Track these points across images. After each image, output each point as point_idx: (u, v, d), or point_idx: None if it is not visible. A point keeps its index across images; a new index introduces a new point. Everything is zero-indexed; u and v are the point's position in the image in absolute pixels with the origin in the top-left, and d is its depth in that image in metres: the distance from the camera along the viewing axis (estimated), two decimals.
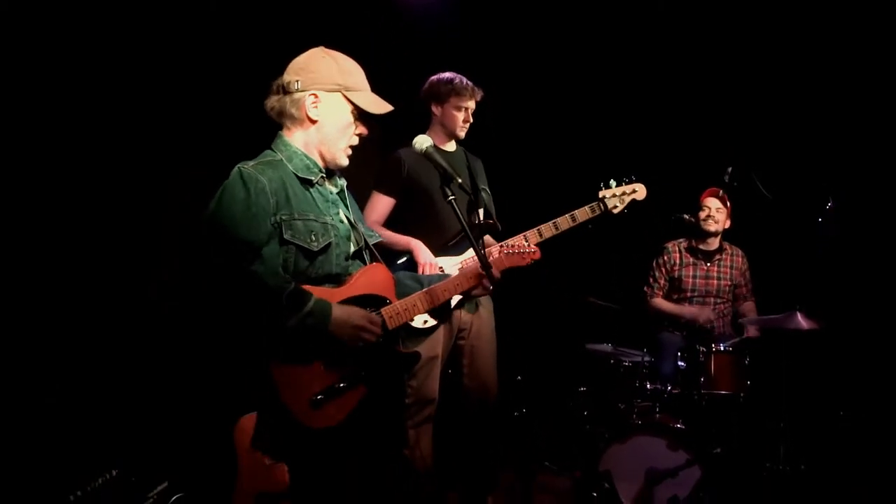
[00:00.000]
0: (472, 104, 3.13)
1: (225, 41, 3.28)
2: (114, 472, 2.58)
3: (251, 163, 1.86)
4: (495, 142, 3.34)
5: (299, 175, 1.91)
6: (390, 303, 1.97)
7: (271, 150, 1.95)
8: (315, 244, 1.85)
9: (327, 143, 1.94)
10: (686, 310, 4.06)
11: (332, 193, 2.01)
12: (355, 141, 1.98)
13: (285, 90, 1.91)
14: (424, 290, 2.04)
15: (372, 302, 1.93)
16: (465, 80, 3.13)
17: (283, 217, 1.82)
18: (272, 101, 1.94)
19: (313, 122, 1.93)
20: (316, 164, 1.95)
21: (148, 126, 3.06)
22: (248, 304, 1.74)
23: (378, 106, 1.96)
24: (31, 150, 2.68)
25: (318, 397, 1.77)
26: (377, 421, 1.94)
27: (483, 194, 3.21)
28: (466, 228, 1.97)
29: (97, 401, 2.75)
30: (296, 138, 1.95)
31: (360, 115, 1.95)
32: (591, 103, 4.84)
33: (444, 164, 2.02)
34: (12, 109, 2.61)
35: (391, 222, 3.09)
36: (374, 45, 2.06)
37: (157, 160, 3.09)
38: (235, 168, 1.84)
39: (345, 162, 1.99)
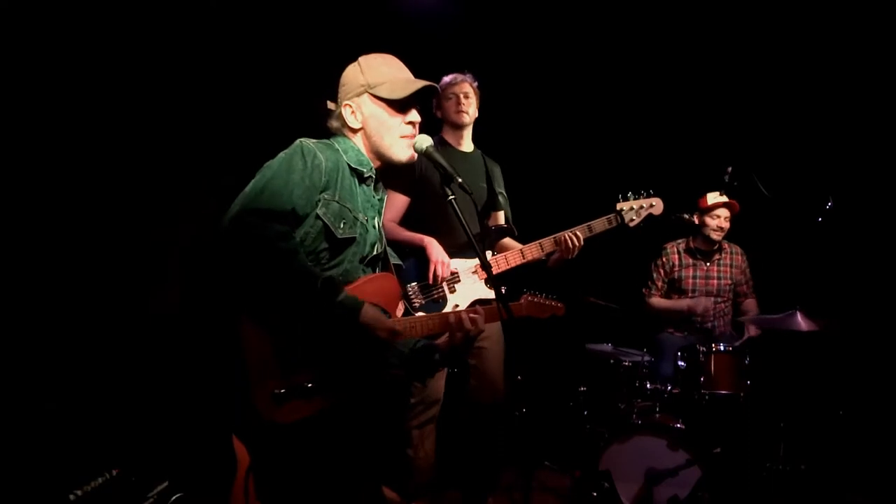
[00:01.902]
0: (460, 89, 3.12)
1: (221, 44, 3.28)
2: (114, 472, 2.58)
3: (313, 140, 1.92)
4: (485, 138, 3.32)
5: (352, 165, 1.95)
6: (390, 317, 1.95)
7: (329, 140, 1.99)
8: (340, 231, 1.88)
9: (375, 143, 1.99)
10: (682, 303, 4.08)
11: (374, 197, 2.04)
12: (408, 130, 1.98)
13: (332, 111, 2.01)
14: (426, 315, 2.02)
15: None
16: (455, 74, 3.15)
17: (326, 197, 1.86)
18: (329, 124, 2.03)
19: (357, 130, 1.99)
20: (369, 163, 2.00)
21: (149, 132, 3.06)
22: (284, 272, 1.73)
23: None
24: (34, 156, 2.68)
25: (282, 391, 1.73)
26: (339, 434, 1.86)
27: (500, 198, 3.19)
28: (467, 228, 1.95)
29: (97, 401, 2.75)
30: (354, 142, 2.01)
31: (397, 104, 1.96)
32: (590, 103, 4.84)
33: (443, 163, 1.99)
34: (11, 111, 2.61)
35: (408, 224, 3.04)
36: (373, 45, 2.03)
37: (158, 166, 3.09)
38: (297, 141, 1.89)
39: (401, 155, 1.99)
